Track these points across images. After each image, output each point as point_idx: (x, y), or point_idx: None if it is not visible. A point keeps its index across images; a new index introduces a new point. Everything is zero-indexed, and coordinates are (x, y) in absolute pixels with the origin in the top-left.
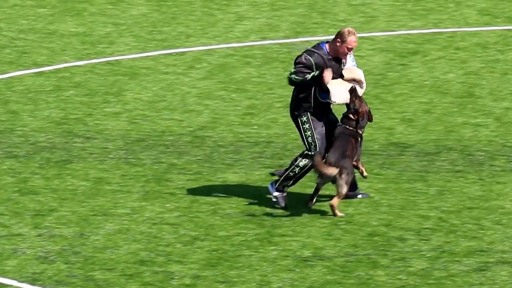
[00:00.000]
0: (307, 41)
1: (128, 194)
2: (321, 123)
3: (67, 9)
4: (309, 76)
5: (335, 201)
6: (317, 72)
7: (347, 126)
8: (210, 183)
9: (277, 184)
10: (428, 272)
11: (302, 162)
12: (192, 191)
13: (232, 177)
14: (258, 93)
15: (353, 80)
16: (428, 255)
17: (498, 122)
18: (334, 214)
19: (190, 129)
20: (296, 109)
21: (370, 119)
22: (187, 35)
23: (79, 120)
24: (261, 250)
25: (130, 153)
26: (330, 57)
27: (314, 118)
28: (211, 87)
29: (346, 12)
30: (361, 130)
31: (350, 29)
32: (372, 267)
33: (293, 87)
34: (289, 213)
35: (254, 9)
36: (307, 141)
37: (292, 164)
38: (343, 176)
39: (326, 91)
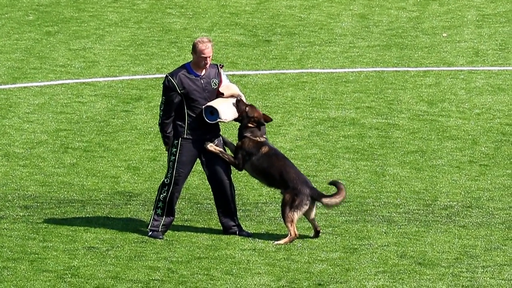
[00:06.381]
0: (25, 87)
1: None
2: (192, 152)
3: None
4: (161, 112)
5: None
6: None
7: (256, 137)
8: None
9: (149, 225)
10: None
11: (163, 194)
12: None
13: None
14: None
15: (231, 96)
16: None
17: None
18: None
19: None
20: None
21: (268, 119)
22: None
23: None
24: None
25: None
26: (197, 75)
27: (187, 146)
28: None
29: (65, 57)
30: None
31: (200, 38)
32: None
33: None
34: (11, 265)
35: None
36: (168, 164)
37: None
38: None
39: (213, 113)
